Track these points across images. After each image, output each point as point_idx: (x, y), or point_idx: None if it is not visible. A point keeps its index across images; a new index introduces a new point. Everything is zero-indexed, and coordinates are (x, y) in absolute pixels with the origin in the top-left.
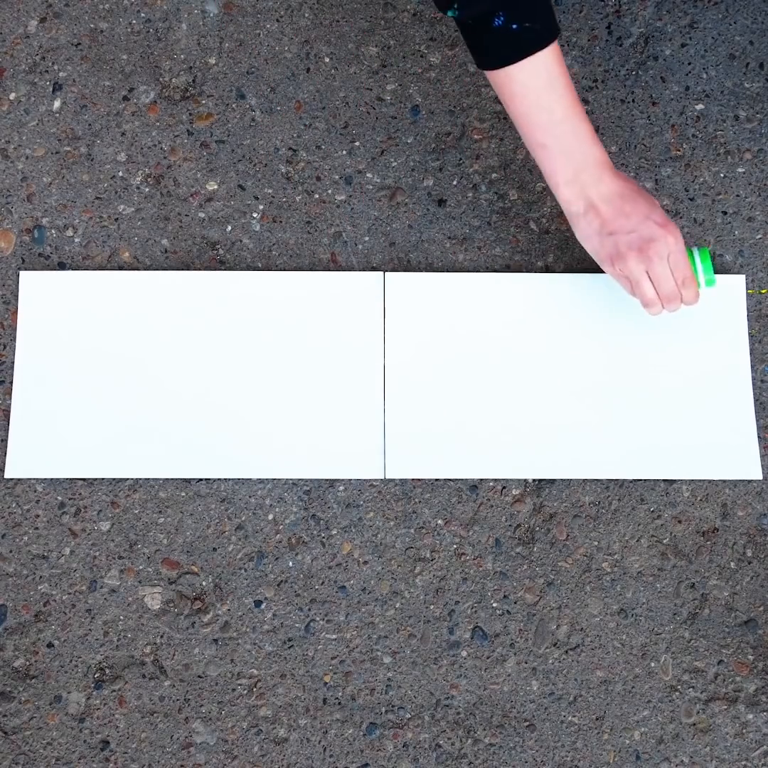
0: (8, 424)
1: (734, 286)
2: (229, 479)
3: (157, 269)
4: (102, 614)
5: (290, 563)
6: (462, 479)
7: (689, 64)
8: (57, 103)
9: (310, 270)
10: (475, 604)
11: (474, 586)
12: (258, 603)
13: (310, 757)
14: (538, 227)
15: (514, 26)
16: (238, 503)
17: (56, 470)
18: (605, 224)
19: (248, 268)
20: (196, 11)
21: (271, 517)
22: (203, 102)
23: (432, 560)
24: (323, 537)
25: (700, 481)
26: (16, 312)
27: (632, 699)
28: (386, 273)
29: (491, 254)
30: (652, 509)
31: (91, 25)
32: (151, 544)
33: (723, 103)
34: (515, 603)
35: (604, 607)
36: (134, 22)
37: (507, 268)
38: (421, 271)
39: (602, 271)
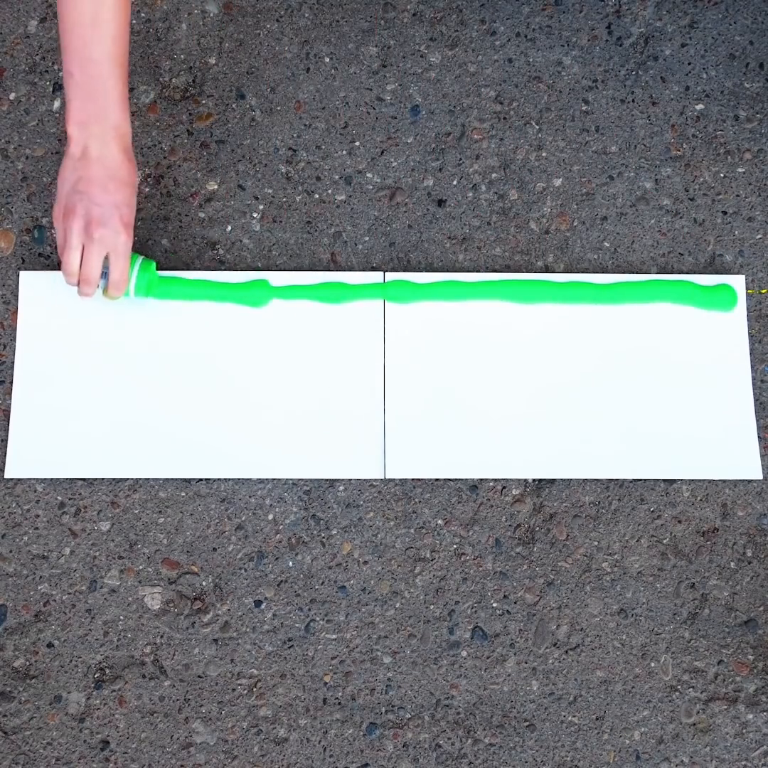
0: (8, 424)
1: (734, 286)
2: (229, 479)
3: (157, 269)
4: (102, 614)
5: (290, 563)
6: (462, 479)
7: (689, 64)
8: (57, 103)
9: (310, 270)
10: (475, 604)
11: (474, 586)
12: (258, 603)
13: (310, 757)
14: (538, 227)
15: None
16: (238, 503)
17: (56, 470)
18: (84, 182)
19: (248, 268)
20: (196, 11)
21: (271, 517)
22: (203, 102)
23: (432, 560)
24: (323, 537)
25: (700, 481)
26: (16, 312)
27: (632, 699)
28: (386, 273)
29: (491, 254)
30: (652, 509)
31: None
32: (151, 544)
33: (723, 103)
34: (515, 603)
35: (604, 607)
36: (134, 22)
37: (507, 268)
38: (421, 271)
39: (601, 272)
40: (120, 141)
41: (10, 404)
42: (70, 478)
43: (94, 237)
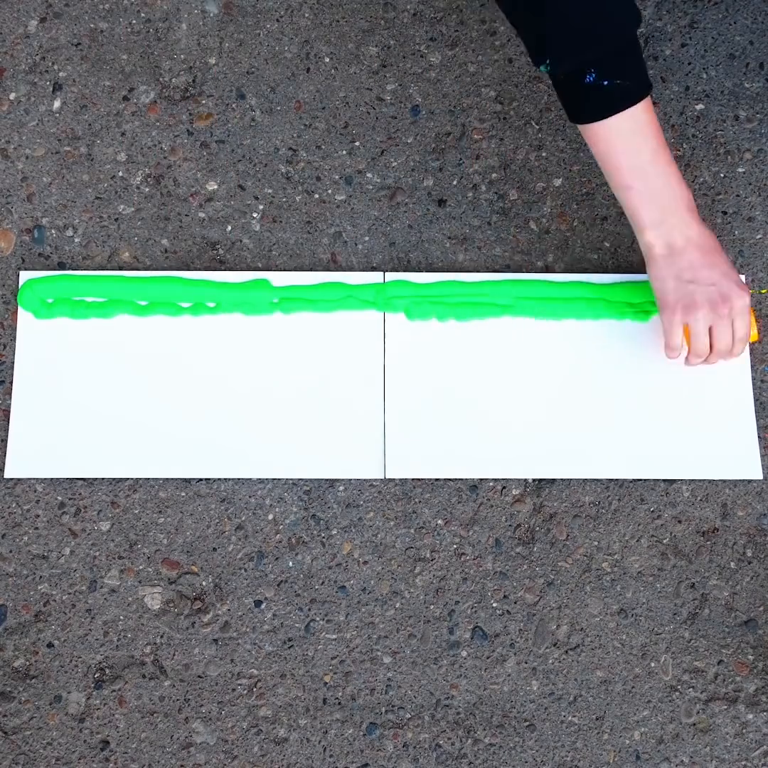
0: (8, 424)
1: None
2: (229, 479)
3: (157, 269)
4: (102, 614)
5: (290, 563)
6: (462, 479)
7: (689, 64)
8: (57, 103)
9: (310, 270)
10: (475, 604)
11: (474, 586)
12: (258, 603)
13: (310, 757)
14: (538, 227)
15: (606, 82)
16: (238, 503)
17: (56, 470)
18: (686, 270)
19: (248, 268)
20: (196, 11)
21: (271, 517)
22: (203, 102)
23: (432, 560)
24: (323, 537)
25: (700, 481)
26: (16, 312)
27: (632, 699)
28: (386, 273)
29: (491, 254)
30: (652, 509)
31: (91, 25)
32: (151, 544)
33: (723, 103)
34: (515, 603)
35: (604, 607)
36: (134, 22)
37: (507, 268)
38: (421, 271)
39: (601, 272)
40: (691, 212)
41: (10, 404)
42: (70, 478)
43: (722, 313)
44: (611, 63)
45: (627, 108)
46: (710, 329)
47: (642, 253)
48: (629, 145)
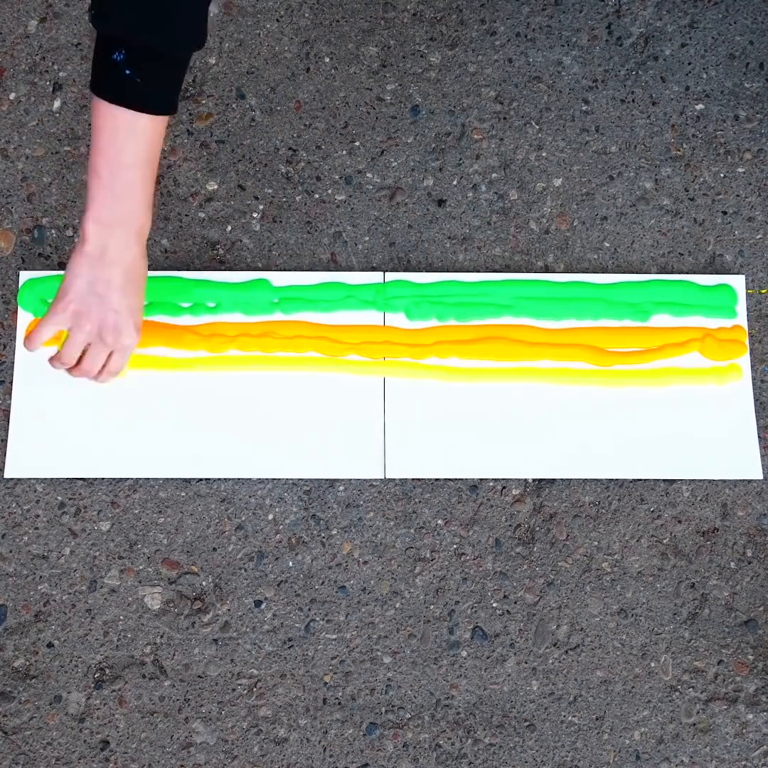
0: (8, 424)
1: (734, 286)
2: (229, 479)
3: (157, 269)
4: (102, 614)
5: (290, 563)
6: (462, 479)
7: (689, 64)
8: (57, 103)
9: (310, 270)
10: (475, 604)
11: (474, 586)
12: (258, 603)
13: (310, 757)
14: (538, 227)
15: (128, 72)
16: (238, 503)
17: (56, 470)
18: (102, 284)
19: (248, 268)
20: None
21: (271, 517)
22: (203, 102)
23: (432, 560)
24: (323, 537)
25: (700, 481)
26: (16, 312)
27: (632, 699)
28: (386, 273)
29: (491, 254)
30: (652, 509)
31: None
32: (151, 544)
33: (723, 103)
34: (515, 603)
35: (604, 607)
36: None
37: (507, 268)
38: (421, 271)
39: (601, 272)
40: (140, 242)
41: (10, 404)
42: (70, 478)
43: (106, 341)
44: (146, 59)
45: (138, 110)
46: (86, 347)
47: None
48: (124, 143)
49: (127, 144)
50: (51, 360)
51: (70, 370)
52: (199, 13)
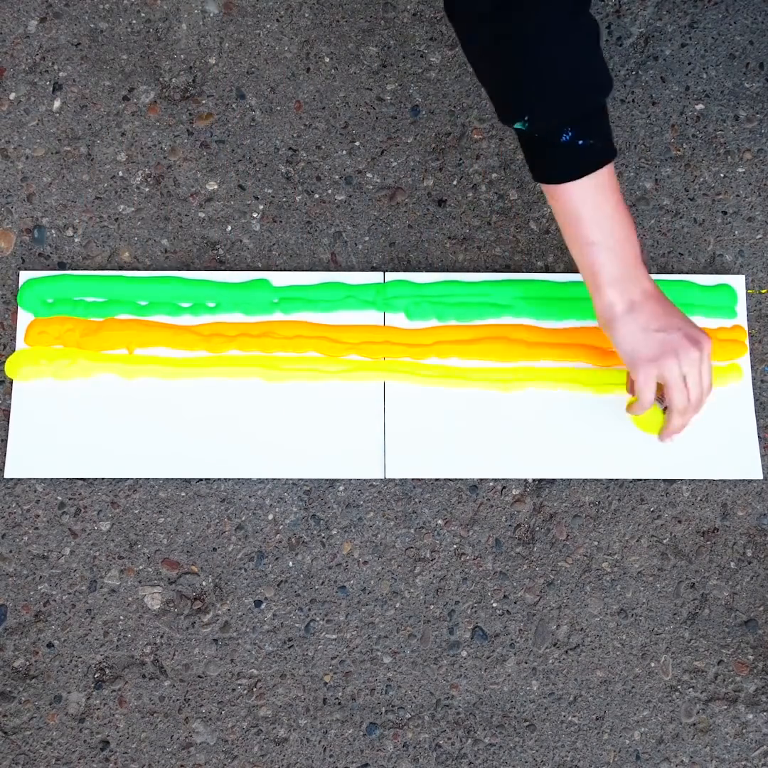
0: (8, 424)
1: (734, 286)
2: (229, 479)
3: (157, 269)
4: (102, 614)
5: (290, 563)
6: (462, 479)
7: (689, 64)
8: (57, 103)
9: (310, 270)
10: (475, 604)
11: (474, 586)
12: (258, 603)
13: (310, 757)
14: (538, 227)
15: (581, 143)
16: (238, 503)
17: (56, 470)
18: (653, 320)
19: (248, 268)
20: (196, 11)
21: (271, 517)
22: (203, 102)
23: (432, 560)
24: (323, 537)
25: (700, 481)
26: (16, 312)
27: (632, 699)
28: (386, 273)
29: (491, 254)
30: (652, 509)
31: (91, 25)
32: (151, 544)
33: (723, 103)
34: (515, 603)
35: (604, 607)
36: (134, 22)
37: (507, 268)
38: (421, 271)
39: None
40: (644, 267)
41: (10, 404)
42: (70, 478)
43: (695, 359)
44: (588, 123)
45: (599, 168)
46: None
47: (598, 318)
48: (595, 203)
49: (603, 203)
50: (664, 429)
51: (683, 418)
52: (601, 56)
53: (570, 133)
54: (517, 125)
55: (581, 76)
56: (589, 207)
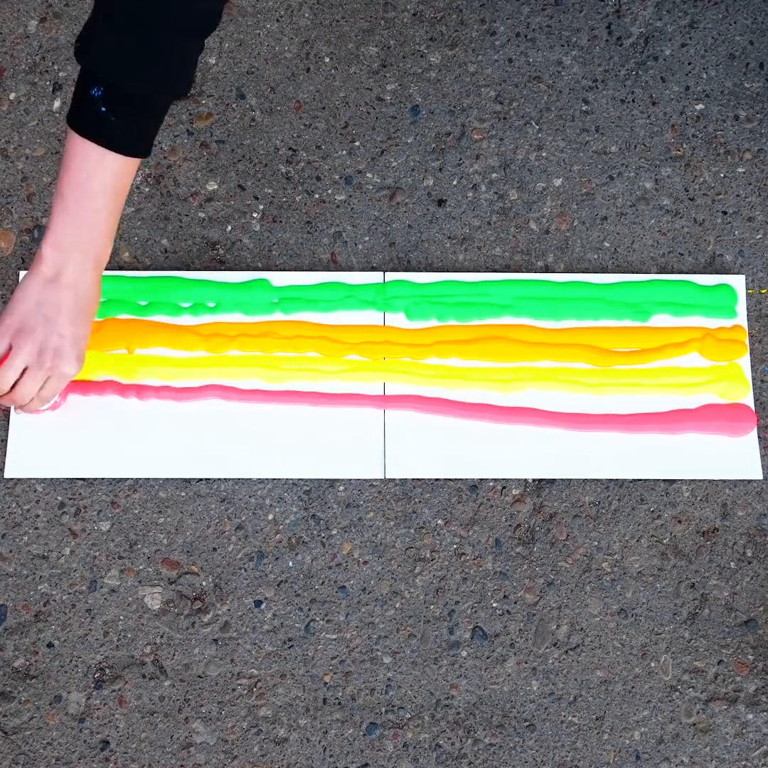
0: (8, 424)
1: (734, 286)
2: (229, 479)
3: (157, 269)
4: (102, 614)
5: (290, 563)
6: (462, 479)
7: (689, 64)
8: (57, 103)
9: (310, 270)
10: (475, 604)
11: (474, 586)
12: (258, 603)
13: (310, 757)
14: (538, 227)
15: (103, 109)
16: (238, 503)
17: (56, 470)
18: (51, 307)
19: (248, 268)
20: None
21: (271, 517)
22: (203, 102)
23: (432, 560)
24: (323, 537)
25: (700, 481)
26: None
27: (632, 699)
28: (386, 273)
29: (491, 254)
30: (652, 509)
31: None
32: (151, 544)
33: (723, 103)
34: (515, 603)
35: (604, 607)
36: None
37: (507, 268)
38: (421, 271)
39: (601, 272)
40: (97, 270)
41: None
42: (70, 478)
43: (45, 365)
44: (122, 101)
45: (109, 148)
46: (24, 370)
47: (37, 254)
48: (93, 173)
49: (96, 174)
50: None
51: (0, 399)
52: (185, 62)
53: (100, 91)
54: (79, 59)
55: (144, 59)
56: (86, 169)
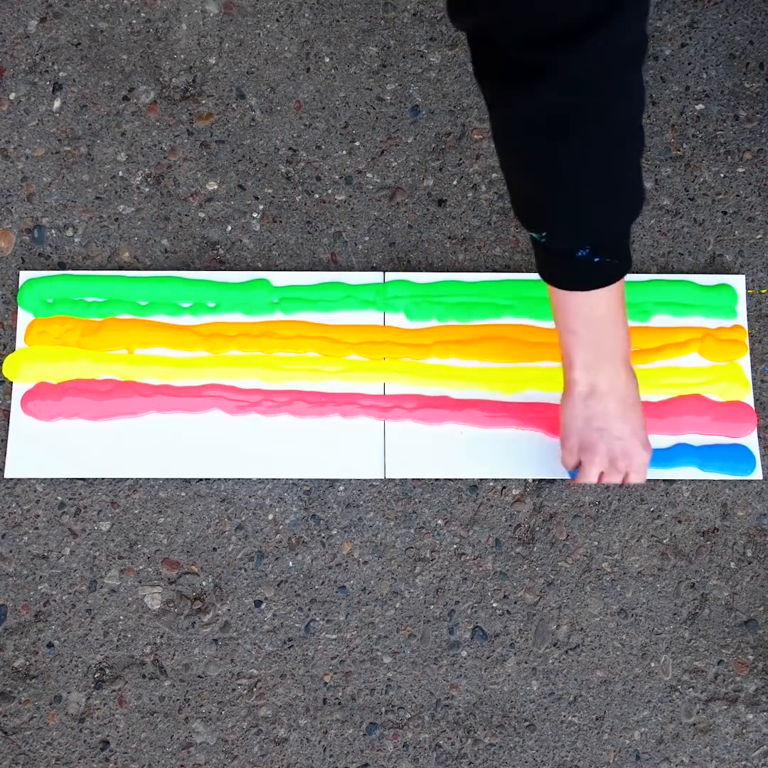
0: (8, 424)
1: (734, 286)
2: (229, 479)
3: (157, 269)
4: (102, 614)
5: (290, 563)
6: (462, 479)
7: (689, 64)
8: (57, 103)
9: (310, 270)
10: (475, 604)
11: (474, 586)
12: (258, 603)
13: (310, 757)
14: None
15: (596, 260)
16: (238, 503)
17: (56, 470)
18: (600, 418)
19: (248, 268)
20: (196, 11)
21: (271, 517)
22: (203, 102)
23: (432, 560)
24: (323, 537)
25: (700, 481)
26: (16, 312)
27: (632, 699)
28: (386, 273)
29: (491, 254)
30: (652, 509)
31: (91, 25)
32: (151, 544)
33: (723, 103)
34: (515, 603)
35: (604, 607)
36: (134, 22)
37: (507, 269)
38: (421, 271)
39: None
40: (627, 366)
41: (10, 404)
42: (70, 478)
43: (620, 467)
44: (607, 243)
45: (608, 285)
46: (601, 474)
47: (564, 384)
48: (596, 306)
49: (599, 305)
50: (576, 479)
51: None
52: (639, 174)
53: (587, 250)
54: (535, 236)
55: (615, 200)
56: (584, 308)
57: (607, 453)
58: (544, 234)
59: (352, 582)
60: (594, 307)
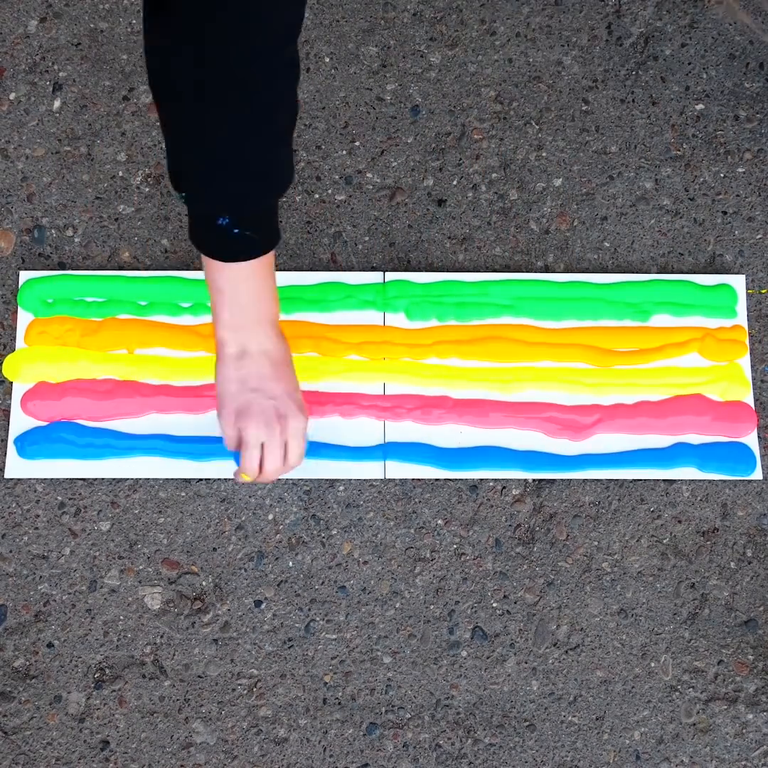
0: (8, 424)
1: (734, 286)
2: (229, 479)
3: (157, 269)
4: (102, 614)
5: (290, 563)
6: (462, 479)
7: (689, 64)
8: (57, 103)
9: (310, 270)
10: (475, 604)
11: (474, 586)
12: (258, 603)
13: (310, 757)
14: (538, 227)
15: (236, 231)
16: (238, 503)
17: (56, 470)
18: (253, 378)
19: None
20: None
21: (271, 517)
22: None
23: (432, 560)
24: (323, 537)
25: (700, 481)
26: (16, 312)
27: (632, 699)
28: (386, 273)
29: (491, 254)
30: (652, 509)
31: (91, 25)
32: (151, 544)
33: (723, 103)
34: (515, 603)
35: (604, 607)
36: (134, 22)
37: (507, 268)
38: (421, 271)
39: (601, 272)
40: (275, 329)
41: (10, 404)
42: (70, 478)
43: (276, 432)
44: (246, 216)
45: (250, 259)
46: (263, 446)
47: (215, 347)
48: (241, 272)
49: (242, 275)
50: (236, 474)
51: (258, 480)
52: (288, 151)
53: (226, 220)
54: (178, 196)
55: (257, 177)
56: (227, 270)
57: (263, 415)
58: (183, 195)
59: (352, 582)
60: (238, 270)
